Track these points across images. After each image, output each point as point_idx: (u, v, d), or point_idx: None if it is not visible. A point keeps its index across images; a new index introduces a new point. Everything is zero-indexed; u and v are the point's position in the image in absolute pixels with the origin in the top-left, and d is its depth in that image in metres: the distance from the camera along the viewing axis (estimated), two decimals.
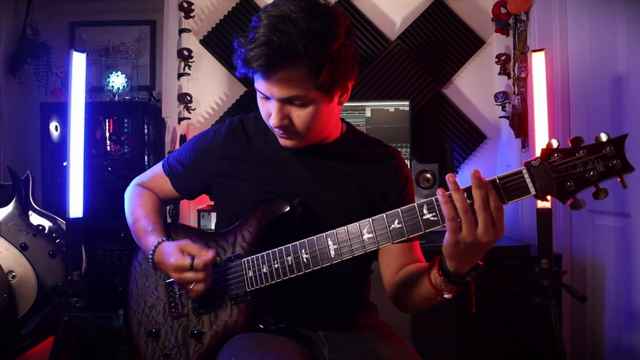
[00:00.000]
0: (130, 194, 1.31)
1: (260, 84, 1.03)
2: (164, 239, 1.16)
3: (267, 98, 1.05)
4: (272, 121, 1.04)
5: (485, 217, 0.85)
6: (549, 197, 0.85)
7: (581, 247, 2.24)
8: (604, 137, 0.81)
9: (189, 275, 1.06)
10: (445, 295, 0.99)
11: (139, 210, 1.25)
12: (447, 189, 0.88)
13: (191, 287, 1.08)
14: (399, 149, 2.48)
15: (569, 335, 2.27)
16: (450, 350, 2.03)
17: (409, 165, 2.46)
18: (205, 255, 1.07)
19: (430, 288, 0.99)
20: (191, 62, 2.74)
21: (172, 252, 1.09)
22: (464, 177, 2.72)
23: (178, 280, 1.09)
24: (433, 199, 0.91)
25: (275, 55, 0.95)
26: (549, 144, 0.85)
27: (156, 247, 1.15)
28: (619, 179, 0.81)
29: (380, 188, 1.18)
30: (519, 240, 2.47)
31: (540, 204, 1.72)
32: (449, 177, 0.87)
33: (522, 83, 2.47)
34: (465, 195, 0.86)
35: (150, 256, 1.15)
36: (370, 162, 1.20)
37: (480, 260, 0.94)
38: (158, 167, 1.30)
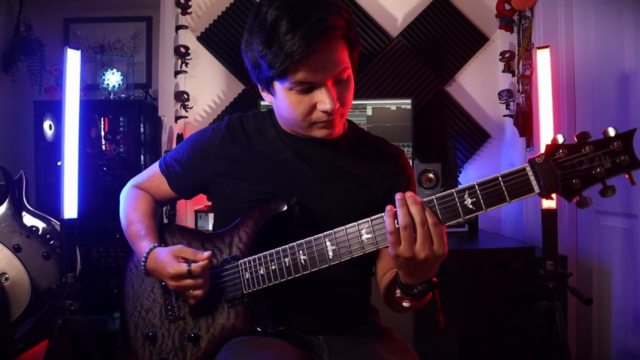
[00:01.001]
0: (126, 196, 1.31)
1: (304, 73, 0.99)
2: (157, 244, 1.16)
3: (307, 90, 1.03)
4: (329, 105, 1.02)
5: (422, 233, 0.88)
6: (553, 196, 0.85)
7: (587, 248, 2.23)
8: (611, 132, 0.80)
9: (188, 282, 1.07)
10: (404, 304, 1.02)
11: (132, 213, 1.25)
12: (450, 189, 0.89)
13: (189, 293, 1.08)
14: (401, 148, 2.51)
15: (575, 339, 2.27)
16: (453, 355, 2.03)
17: (411, 164, 2.45)
18: (202, 258, 1.07)
19: (394, 295, 1.04)
20: (188, 60, 2.74)
21: (167, 260, 1.09)
22: (467, 176, 2.72)
23: (176, 289, 1.10)
24: (434, 197, 0.91)
25: (326, 31, 0.96)
26: (554, 140, 0.84)
27: (148, 253, 1.15)
28: (627, 176, 0.80)
29: (383, 188, 1.18)
30: (523, 241, 2.46)
31: (545, 204, 1.72)
32: (397, 195, 0.91)
33: (526, 81, 2.47)
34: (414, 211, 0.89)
35: (142, 262, 1.15)
36: (374, 161, 1.19)
37: (433, 276, 0.97)
38: (154, 167, 1.30)
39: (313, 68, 0.99)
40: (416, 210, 0.89)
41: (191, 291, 1.09)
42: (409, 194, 0.91)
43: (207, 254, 1.08)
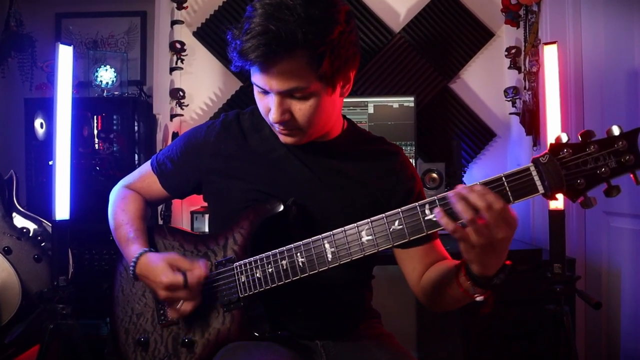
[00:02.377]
0: (115, 197, 1.31)
1: (257, 78, 1.02)
2: (147, 249, 1.16)
3: (265, 92, 1.04)
4: (272, 116, 1.03)
5: (493, 217, 0.84)
6: (557, 196, 0.85)
7: (596, 250, 2.23)
8: (616, 131, 0.81)
9: (181, 294, 1.06)
10: (477, 298, 0.98)
11: (121, 215, 1.25)
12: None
13: (179, 305, 1.08)
14: (404, 147, 2.52)
15: (583, 344, 2.26)
16: None
17: (413, 164, 2.46)
18: (199, 270, 1.06)
19: (460, 291, 0.99)
20: (184, 56, 2.74)
21: (161, 268, 1.07)
22: (472, 176, 2.72)
23: (167, 298, 1.09)
24: (435, 198, 0.91)
25: (273, 45, 0.94)
26: (558, 139, 0.84)
27: (138, 257, 1.14)
28: (632, 176, 0.81)
29: (383, 185, 1.17)
30: (530, 243, 2.46)
31: (553, 205, 1.72)
32: (449, 193, 0.88)
33: (533, 77, 2.46)
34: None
35: (131, 267, 1.14)
36: (371, 160, 1.19)
37: (506, 259, 0.94)
38: (146, 166, 1.30)
39: (265, 76, 1.00)
40: (476, 197, 0.85)
41: (182, 303, 1.08)
42: (460, 186, 0.88)
43: (204, 265, 1.07)
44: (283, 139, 1.11)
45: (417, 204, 0.93)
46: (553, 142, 0.84)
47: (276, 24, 0.94)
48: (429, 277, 1.12)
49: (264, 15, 0.95)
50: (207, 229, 2.28)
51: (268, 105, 1.05)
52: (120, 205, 1.27)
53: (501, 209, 0.85)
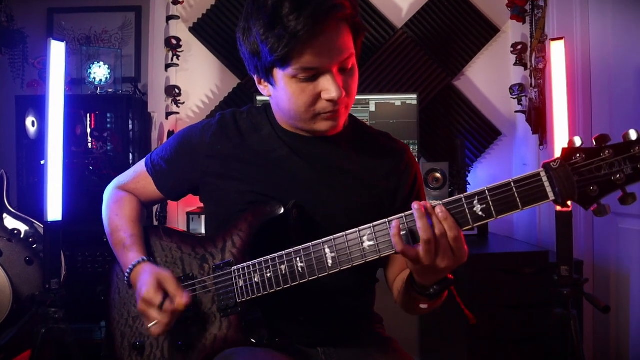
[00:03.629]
0: (109, 199, 1.30)
1: (309, 57, 0.99)
2: (145, 258, 1.16)
3: (311, 79, 1.02)
4: (335, 93, 1.01)
5: (443, 246, 0.89)
6: (569, 203, 0.84)
7: (604, 252, 2.23)
8: (633, 135, 0.79)
9: (154, 314, 1.06)
10: (421, 306, 1.03)
11: (116, 219, 1.24)
12: (461, 190, 0.88)
13: (150, 325, 1.08)
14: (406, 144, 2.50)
15: (591, 350, 2.26)
16: None
17: (417, 161, 2.45)
18: (179, 299, 1.05)
19: (412, 296, 1.04)
20: (180, 52, 2.74)
21: (148, 282, 1.08)
22: (476, 176, 2.72)
23: (140, 312, 1.09)
24: (440, 202, 0.91)
25: (330, 11, 0.96)
26: (571, 143, 0.83)
27: (134, 266, 1.14)
28: None
29: (389, 187, 1.17)
30: (536, 245, 2.46)
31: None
32: (413, 205, 0.91)
33: (539, 74, 2.46)
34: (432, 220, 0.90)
35: (127, 274, 1.15)
36: (377, 158, 1.18)
37: (449, 274, 0.98)
38: (140, 166, 1.30)
39: (319, 51, 0.98)
40: (436, 221, 0.90)
41: (152, 324, 1.07)
42: (424, 204, 0.91)
43: (186, 299, 1.05)
44: (328, 125, 1.08)
45: None
46: (565, 146, 0.83)
47: None
48: (399, 280, 1.16)
49: None
50: (203, 231, 2.27)
51: (316, 91, 1.03)
52: (115, 209, 1.27)
53: (453, 241, 0.89)
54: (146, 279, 1.09)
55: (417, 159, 2.45)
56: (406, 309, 1.15)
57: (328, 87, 1.02)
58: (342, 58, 1.02)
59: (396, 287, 1.16)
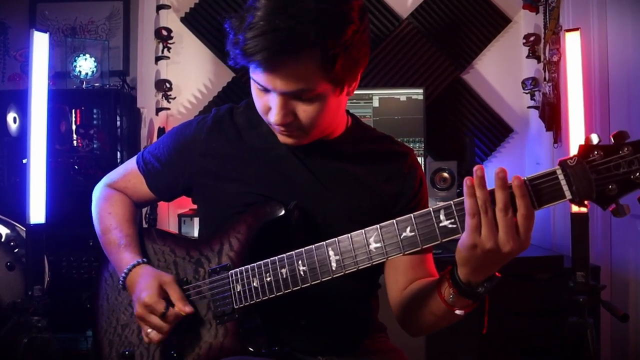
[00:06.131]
0: (99, 198, 1.30)
1: (259, 76, 1.00)
2: (143, 260, 1.16)
3: (265, 90, 1.03)
4: (274, 118, 1.02)
5: (507, 223, 0.85)
6: (587, 202, 0.84)
7: (622, 257, 2.23)
8: None
9: (155, 321, 1.07)
10: (457, 312, 0.98)
11: (109, 219, 1.25)
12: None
13: (149, 331, 1.08)
14: (412, 144, 2.52)
15: None
16: None
17: (422, 163, 2.46)
18: (182, 309, 1.07)
19: (440, 302, 0.99)
20: (171, 44, 2.74)
21: (150, 286, 1.08)
22: (487, 176, 2.71)
23: (139, 317, 1.09)
24: (451, 203, 0.91)
25: (281, 46, 0.93)
26: (588, 139, 0.83)
27: (132, 268, 1.14)
28: None
29: (391, 190, 1.18)
30: (550, 249, 2.46)
31: (575, 207, 1.72)
32: (477, 169, 0.88)
33: (553, 67, 2.47)
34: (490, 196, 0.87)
35: (122, 276, 1.15)
36: (379, 161, 1.19)
37: (497, 272, 0.94)
38: (131, 164, 1.30)
39: (266, 78, 0.99)
40: (502, 195, 0.86)
41: (151, 330, 1.08)
42: (498, 169, 0.88)
43: (189, 308, 1.07)
44: (282, 139, 1.10)
45: (430, 209, 0.93)
46: (582, 143, 0.84)
47: (284, 20, 0.92)
48: (410, 290, 1.12)
49: (269, 9, 0.93)
50: (196, 234, 2.27)
51: (268, 104, 1.04)
52: (106, 207, 1.27)
53: (525, 215, 0.85)
54: (147, 283, 1.09)
55: (423, 158, 2.46)
56: (418, 324, 1.11)
57: (271, 106, 1.03)
58: (290, 90, 0.99)
59: (410, 296, 1.12)
